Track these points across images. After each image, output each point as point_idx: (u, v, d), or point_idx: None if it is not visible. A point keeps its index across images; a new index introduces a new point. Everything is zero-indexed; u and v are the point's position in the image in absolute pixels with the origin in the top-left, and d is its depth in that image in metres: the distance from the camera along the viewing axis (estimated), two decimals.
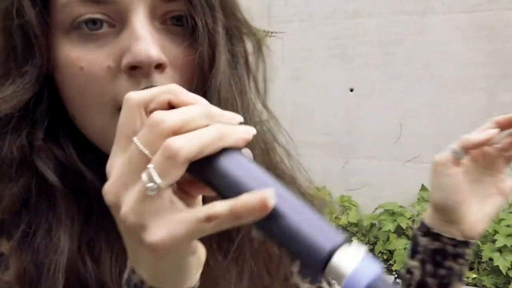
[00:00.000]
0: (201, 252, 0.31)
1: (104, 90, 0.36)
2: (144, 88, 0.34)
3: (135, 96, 0.29)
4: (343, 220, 3.53)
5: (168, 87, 0.30)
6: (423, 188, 3.43)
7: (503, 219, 2.68)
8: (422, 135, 3.51)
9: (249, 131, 0.29)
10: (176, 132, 0.27)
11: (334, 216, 3.61)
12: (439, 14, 3.47)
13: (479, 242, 2.70)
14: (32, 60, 0.37)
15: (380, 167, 3.63)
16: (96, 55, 0.36)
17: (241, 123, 0.30)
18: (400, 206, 3.39)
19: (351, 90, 3.71)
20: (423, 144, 3.50)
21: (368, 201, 3.65)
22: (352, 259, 0.25)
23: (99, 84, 0.36)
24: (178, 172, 0.27)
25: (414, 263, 0.58)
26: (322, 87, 3.79)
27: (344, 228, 3.54)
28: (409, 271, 0.59)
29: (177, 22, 0.38)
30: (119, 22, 0.37)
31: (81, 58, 0.36)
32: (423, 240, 0.57)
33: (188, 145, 0.27)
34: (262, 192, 0.26)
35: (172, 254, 0.28)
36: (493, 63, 3.35)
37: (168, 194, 0.28)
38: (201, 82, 0.38)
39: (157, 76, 0.36)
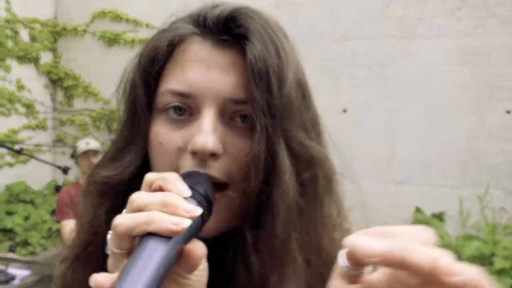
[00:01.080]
0: None
1: (172, 164, 0.45)
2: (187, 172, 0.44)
3: (146, 177, 0.39)
4: None
5: (163, 175, 0.38)
6: (417, 210, 3.43)
7: (500, 241, 2.70)
8: (413, 156, 3.54)
9: (180, 224, 0.34)
10: (142, 209, 0.35)
11: None
12: (426, 38, 3.56)
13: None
14: (142, 132, 0.48)
15: (373, 188, 3.64)
16: (172, 135, 0.46)
17: (203, 216, 0.38)
18: None
19: (344, 111, 3.74)
20: (414, 165, 3.54)
21: (361, 223, 3.63)
22: None
23: (170, 158, 0.46)
24: (122, 242, 0.35)
25: None
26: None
27: None
28: None
29: (244, 119, 0.46)
30: (196, 112, 0.46)
31: (162, 135, 0.46)
32: None
33: (123, 223, 0.35)
34: None
35: None
36: (479, 86, 3.43)
37: (122, 258, 0.36)
38: (259, 177, 0.44)
39: (211, 162, 0.44)
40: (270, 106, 0.43)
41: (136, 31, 4.29)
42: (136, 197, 0.36)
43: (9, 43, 4.12)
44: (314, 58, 3.80)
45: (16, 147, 3.16)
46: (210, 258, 0.39)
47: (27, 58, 4.24)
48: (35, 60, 4.32)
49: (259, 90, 0.43)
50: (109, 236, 0.37)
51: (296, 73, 0.47)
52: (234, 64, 0.45)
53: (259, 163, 0.43)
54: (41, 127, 4.46)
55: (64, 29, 4.54)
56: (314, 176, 0.47)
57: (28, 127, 4.33)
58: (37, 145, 4.29)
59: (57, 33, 4.56)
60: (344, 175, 0.56)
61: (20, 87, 4.23)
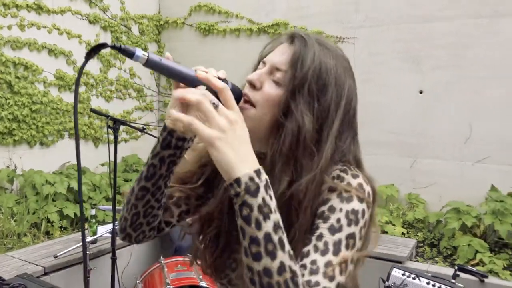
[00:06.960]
0: None
1: None
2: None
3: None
4: (410, 216, 3.68)
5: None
6: (493, 188, 3.48)
7: None
8: (491, 136, 3.56)
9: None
10: None
11: (401, 212, 3.77)
12: (507, 17, 3.51)
13: None
14: None
15: (449, 166, 3.74)
16: None
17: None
18: (467, 205, 3.48)
19: (421, 92, 3.85)
20: (492, 145, 3.56)
21: (435, 199, 3.78)
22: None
23: None
24: None
25: None
26: (393, 90, 3.97)
27: (411, 224, 3.70)
28: None
29: (278, 79, 0.77)
30: None
31: None
32: None
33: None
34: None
35: None
36: None
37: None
38: (278, 114, 0.75)
39: (254, 89, 0.77)
40: (292, 78, 0.73)
41: (227, 21, 4.77)
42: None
43: (123, 37, 4.85)
44: (394, 40, 3.93)
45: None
46: None
47: None
48: (143, 51, 4.98)
49: (290, 67, 0.75)
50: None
51: (317, 68, 0.74)
52: (288, 52, 0.77)
53: (280, 109, 0.73)
54: (148, 108, 5.17)
55: (167, 22, 5.15)
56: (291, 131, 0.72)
57: (138, 108, 5.05)
58: (145, 124, 5.01)
59: (160, 26, 5.20)
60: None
61: (132, 75, 4.95)
